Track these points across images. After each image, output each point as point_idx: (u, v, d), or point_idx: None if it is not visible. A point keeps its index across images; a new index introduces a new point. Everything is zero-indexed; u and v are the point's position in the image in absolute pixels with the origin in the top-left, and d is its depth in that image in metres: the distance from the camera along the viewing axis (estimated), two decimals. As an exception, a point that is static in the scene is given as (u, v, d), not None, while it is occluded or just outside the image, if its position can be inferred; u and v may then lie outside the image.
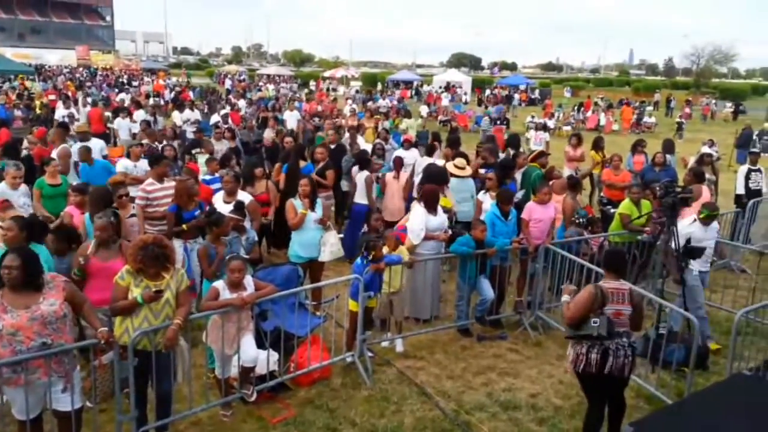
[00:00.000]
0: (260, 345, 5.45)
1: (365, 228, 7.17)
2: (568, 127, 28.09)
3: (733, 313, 5.85)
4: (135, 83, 41.34)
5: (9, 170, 7.39)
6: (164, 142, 11.25)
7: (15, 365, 4.05)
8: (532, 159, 9.99)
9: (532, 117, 26.11)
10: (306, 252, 7.04)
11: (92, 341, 4.42)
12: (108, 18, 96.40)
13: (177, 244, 6.98)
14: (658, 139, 15.24)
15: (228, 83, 45.89)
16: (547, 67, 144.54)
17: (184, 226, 6.83)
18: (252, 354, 5.13)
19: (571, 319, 4.74)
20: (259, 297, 5.21)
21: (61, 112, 16.59)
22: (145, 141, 11.40)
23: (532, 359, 6.60)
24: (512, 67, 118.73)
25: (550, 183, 8.25)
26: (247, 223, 6.78)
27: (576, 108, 33.89)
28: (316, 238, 7.07)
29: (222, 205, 7.18)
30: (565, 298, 4.96)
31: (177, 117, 16.83)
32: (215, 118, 16.47)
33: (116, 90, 31.89)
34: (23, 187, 7.52)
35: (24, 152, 10.05)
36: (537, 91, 50.65)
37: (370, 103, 29.04)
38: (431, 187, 7.38)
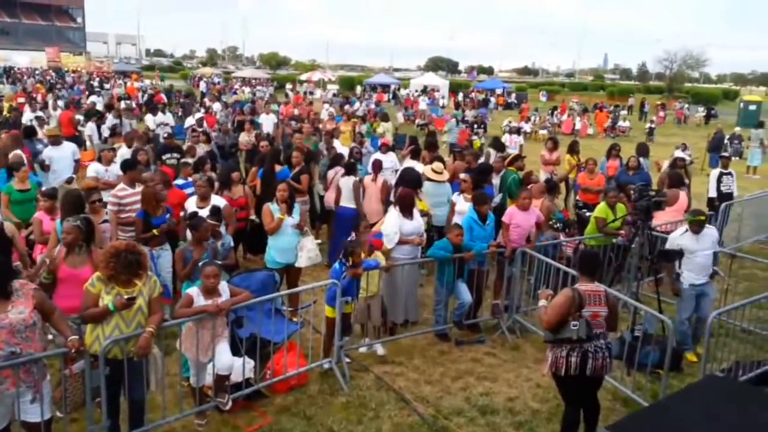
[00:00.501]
0: (236, 352, 5.37)
1: (353, 235, 7.09)
2: (544, 131, 28.39)
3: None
4: (107, 86, 40.70)
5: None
6: (134, 146, 11.06)
7: (-19, 376, 3.93)
8: (508, 163, 10.05)
9: (509, 121, 26.31)
10: (283, 257, 6.97)
11: (62, 350, 4.31)
12: (79, 19, 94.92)
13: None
14: (632, 143, 15.45)
15: (203, 86, 45.45)
16: (523, 72, 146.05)
17: (154, 231, 6.72)
18: (227, 361, 5.05)
19: (549, 323, 4.75)
20: (235, 303, 5.14)
21: (28, 116, 16.22)
22: (117, 145, 11.21)
23: (509, 363, 6.62)
24: (489, 71, 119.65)
25: (529, 187, 8.30)
26: (222, 228, 6.70)
27: (551, 112, 34.26)
28: (293, 244, 7.01)
29: (196, 210, 7.10)
30: (542, 302, 4.97)
31: (150, 120, 16.59)
32: (190, 122, 16.28)
33: (87, 93, 31.32)
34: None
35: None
36: (513, 95, 51.11)
37: (347, 107, 29.00)
38: (406, 192, 7.38)
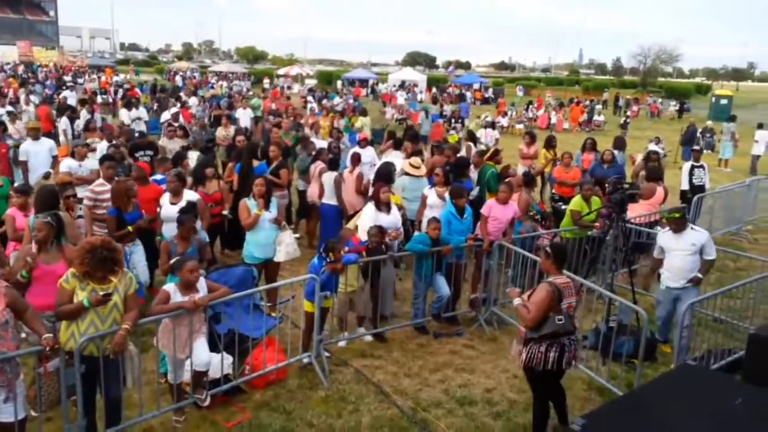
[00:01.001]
0: (214, 348, 5.35)
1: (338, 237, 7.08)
2: (521, 126, 28.61)
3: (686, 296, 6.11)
4: (81, 80, 39.98)
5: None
6: (112, 141, 10.90)
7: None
8: (488, 158, 10.13)
9: (486, 116, 26.45)
10: (261, 252, 6.94)
11: (37, 348, 4.25)
12: (51, 13, 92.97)
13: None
14: (607, 137, 15.67)
15: (179, 80, 44.90)
16: (500, 67, 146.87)
17: (129, 228, 6.65)
18: (205, 358, 5.02)
19: (534, 321, 4.71)
20: (212, 299, 5.11)
21: (-2, 111, 15.85)
22: (90, 140, 11.02)
23: (487, 354, 6.68)
24: (466, 66, 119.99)
25: (509, 181, 8.38)
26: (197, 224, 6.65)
27: (527, 107, 34.51)
28: (272, 238, 6.98)
29: (168, 206, 7.05)
30: (517, 301, 4.93)
31: (125, 115, 16.34)
32: (165, 116, 16.08)
33: (59, 88, 30.73)
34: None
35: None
36: (491, 90, 51.38)
37: (325, 101, 28.88)
38: (377, 186, 7.46)
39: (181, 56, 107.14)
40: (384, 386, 5.88)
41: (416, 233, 7.85)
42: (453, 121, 24.37)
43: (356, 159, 9.55)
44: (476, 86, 50.96)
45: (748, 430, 3.44)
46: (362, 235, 7.02)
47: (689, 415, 3.60)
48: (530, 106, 34.39)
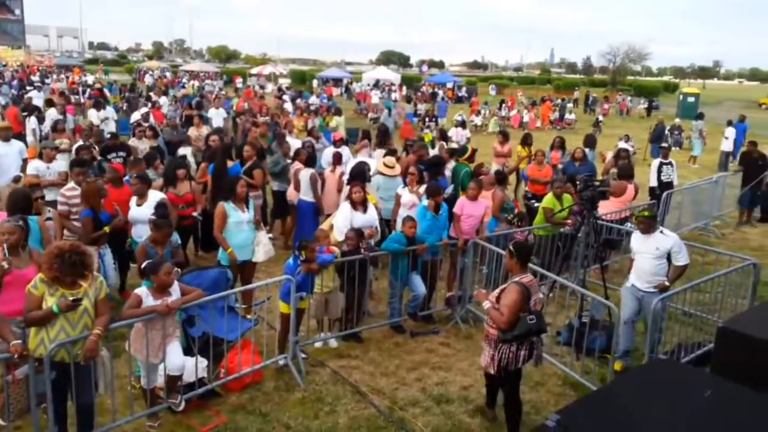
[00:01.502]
0: (188, 352, 5.29)
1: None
2: (494, 124, 28.81)
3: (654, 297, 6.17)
4: (48, 81, 39.13)
5: None
6: (80, 143, 10.71)
7: None
8: (467, 158, 10.21)
9: (460, 114, 26.60)
10: (240, 254, 6.86)
11: (4, 355, 4.16)
12: (17, 11, 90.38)
13: (91, 251, 6.67)
14: (578, 136, 15.87)
15: (149, 79, 44.23)
16: (473, 66, 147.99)
17: (106, 229, 6.54)
18: (178, 362, 4.95)
19: (508, 323, 4.70)
20: (186, 302, 5.05)
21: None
22: (58, 141, 10.80)
23: (463, 352, 6.72)
24: (440, 65, 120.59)
25: (479, 178, 8.44)
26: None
27: (500, 105, 34.79)
28: (250, 240, 6.93)
29: (135, 208, 6.97)
30: (487, 304, 4.91)
31: (94, 115, 16.03)
32: (136, 116, 15.83)
33: (23, 88, 30.02)
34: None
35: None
36: (464, 89, 51.67)
37: (299, 101, 28.73)
38: (352, 185, 7.51)
39: (151, 55, 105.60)
40: (361, 386, 5.88)
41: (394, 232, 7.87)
42: (427, 120, 24.44)
43: (338, 158, 9.60)
44: (450, 85, 51.22)
45: (717, 422, 3.52)
46: (337, 234, 7.02)
47: (661, 409, 3.66)
48: (503, 105, 34.68)
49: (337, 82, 52.05)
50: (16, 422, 4.83)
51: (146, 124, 12.91)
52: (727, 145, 18.74)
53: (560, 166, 11.34)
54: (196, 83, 42.36)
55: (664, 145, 14.28)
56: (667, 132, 22.15)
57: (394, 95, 44.01)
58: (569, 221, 8.15)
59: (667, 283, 6.10)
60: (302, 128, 15.76)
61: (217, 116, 17.07)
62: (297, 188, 9.19)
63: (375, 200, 8.22)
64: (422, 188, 8.10)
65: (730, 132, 18.80)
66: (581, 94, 48.02)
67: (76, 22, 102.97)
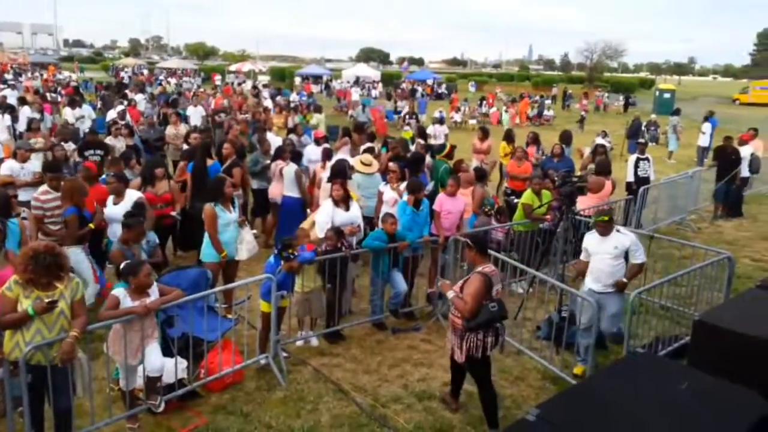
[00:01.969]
0: (168, 353, 5.23)
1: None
2: (474, 121, 28.94)
3: (627, 294, 6.24)
4: (22, 79, 38.43)
5: None
6: (54, 142, 10.54)
7: None
8: (445, 155, 10.24)
9: (440, 111, 26.67)
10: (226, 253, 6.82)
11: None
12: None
13: (79, 250, 6.58)
14: (556, 132, 15.98)
15: (124, 77, 43.66)
16: (452, 63, 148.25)
17: (91, 225, 6.47)
18: (157, 363, 4.90)
19: (472, 311, 4.85)
20: (164, 303, 5.00)
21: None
22: (33, 140, 10.62)
23: (444, 348, 6.73)
24: (420, 62, 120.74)
25: (458, 175, 8.48)
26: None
27: (480, 102, 34.94)
28: (235, 238, 6.89)
29: (111, 207, 6.88)
30: (451, 294, 5.06)
31: (69, 114, 15.78)
32: (111, 115, 15.60)
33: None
34: None
35: None
36: (444, 86, 51.80)
37: (279, 98, 28.56)
38: (333, 183, 7.48)
39: (127, 53, 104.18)
40: (343, 384, 5.87)
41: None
42: (407, 117, 24.45)
43: (327, 154, 9.63)
44: (430, 82, 51.33)
45: (693, 413, 3.58)
46: (319, 232, 7.00)
47: (640, 401, 3.72)
48: (483, 102, 34.82)
49: (316, 79, 51.84)
50: (-8, 427, 4.75)
51: (122, 123, 12.73)
52: (704, 140, 19.02)
53: (535, 162, 11.43)
54: (174, 80, 41.88)
55: (641, 140, 14.46)
56: (643, 128, 22.41)
57: (374, 92, 44.04)
58: (548, 217, 8.22)
59: (625, 280, 5.95)
60: (282, 126, 15.68)
61: (195, 114, 16.92)
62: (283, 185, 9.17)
63: (357, 197, 8.21)
64: (403, 185, 8.11)
65: (707, 127, 19.08)
66: (559, 90, 48.41)
67: (51, 19, 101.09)
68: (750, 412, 3.61)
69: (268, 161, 9.90)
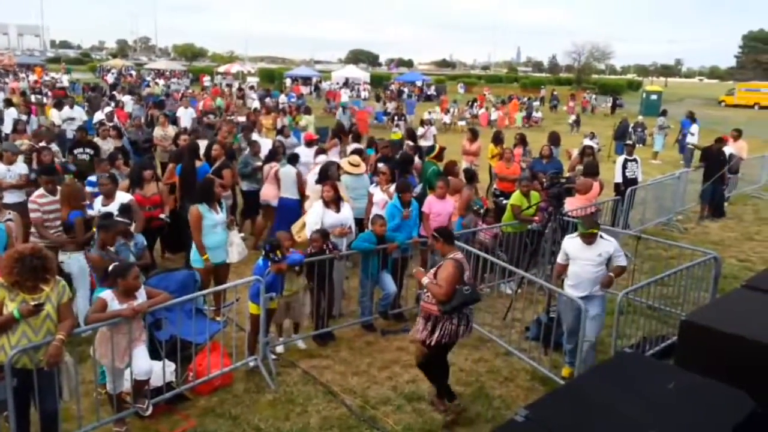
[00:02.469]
0: (156, 356, 5.20)
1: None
2: (463, 122, 29.01)
3: (615, 294, 6.27)
4: (7, 80, 38.06)
5: None
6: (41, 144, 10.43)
7: None
8: (434, 156, 10.25)
9: (429, 112, 26.72)
10: (214, 257, 6.77)
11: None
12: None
13: (81, 257, 6.49)
14: (545, 133, 16.06)
15: (110, 78, 43.35)
16: (441, 64, 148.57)
17: (94, 228, 6.41)
18: (145, 366, 4.87)
19: (447, 294, 5.03)
20: (152, 305, 4.96)
21: None
22: (19, 142, 10.51)
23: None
24: (409, 63, 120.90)
25: (447, 177, 8.50)
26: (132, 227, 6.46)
27: (470, 104, 35.03)
28: (224, 241, 6.85)
29: (102, 209, 6.84)
30: (426, 280, 5.22)
31: (55, 116, 15.65)
32: (99, 116, 15.51)
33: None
34: None
35: None
36: (433, 88, 51.91)
37: (267, 100, 28.47)
38: (324, 185, 7.50)
39: (115, 54, 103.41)
40: (332, 386, 5.86)
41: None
42: (396, 118, 24.47)
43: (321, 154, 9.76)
44: (419, 83, 51.43)
45: (681, 412, 3.60)
46: (306, 229, 7.03)
47: (627, 401, 3.74)
48: (474, 104, 34.91)
49: (306, 80, 51.76)
50: (-24, 432, 4.69)
51: (110, 124, 12.65)
52: (692, 141, 19.16)
53: (523, 165, 11.47)
54: (162, 82, 41.65)
55: (629, 142, 14.54)
56: (630, 129, 22.56)
57: (364, 94, 44.07)
58: (536, 218, 8.26)
59: (611, 274, 5.87)
60: (271, 127, 15.64)
61: (185, 115, 16.82)
62: (277, 187, 9.21)
63: (346, 198, 8.21)
64: (393, 187, 8.12)
65: (695, 128, 19.24)
66: (547, 92, 48.65)
67: (38, 20, 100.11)
68: (737, 411, 3.63)
69: (259, 163, 9.87)
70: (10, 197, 7.89)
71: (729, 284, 7.94)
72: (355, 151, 9.93)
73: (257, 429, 5.17)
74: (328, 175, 8.16)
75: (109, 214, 6.30)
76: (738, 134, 14.90)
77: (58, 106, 16.41)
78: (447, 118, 29.28)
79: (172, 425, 5.13)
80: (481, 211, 8.78)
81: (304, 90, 45.39)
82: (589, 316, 5.77)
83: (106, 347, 4.78)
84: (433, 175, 9.50)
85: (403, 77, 57.60)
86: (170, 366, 5.38)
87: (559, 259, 6.20)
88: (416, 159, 10.32)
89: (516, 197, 8.50)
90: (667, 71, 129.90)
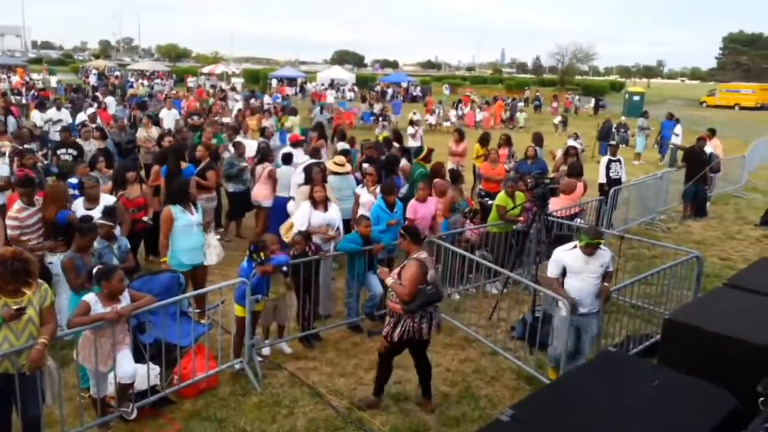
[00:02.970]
0: (140, 359, 5.15)
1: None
2: (449, 123, 29.08)
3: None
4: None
5: None
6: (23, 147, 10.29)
7: None
8: (422, 158, 10.27)
9: (414, 113, 26.75)
10: (190, 258, 6.69)
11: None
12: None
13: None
14: (529, 134, 16.16)
15: (93, 79, 42.90)
16: (426, 65, 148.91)
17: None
18: (129, 370, 4.82)
19: (410, 294, 5.09)
20: (136, 308, 4.92)
21: None
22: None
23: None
24: (394, 64, 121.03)
25: (429, 180, 8.55)
26: (116, 230, 6.39)
27: (455, 105, 35.12)
28: (201, 243, 6.79)
29: (83, 212, 6.71)
30: (390, 280, 5.29)
31: (37, 117, 15.44)
32: (81, 117, 15.32)
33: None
34: None
35: None
36: (418, 89, 52.02)
37: (253, 101, 28.33)
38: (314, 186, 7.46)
39: (98, 54, 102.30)
40: (319, 387, 5.84)
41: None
42: (381, 119, 24.47)
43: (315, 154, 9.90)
44: (404, 84, 51.52)
45: (664, 410, 3.65)
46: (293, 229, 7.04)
47: (612, 399, 3.78)
48: (459, 105, 35.02)
49: (291, 81, 51.60)
50: (-43, 438, 4.62)
51: (93, 125, 12.52)
52: (676, 141, 19.38)
53: (507, 166, 11.53)
54: (146, 83, 41.31)
55: (613, 143, 14.67)
56: (614, 130, 22.75)
57: (349, 95, 44.04)
58: (521, 218, 8.30)
59: (606, 285, 5.74)
60: (255, 129, 15.57)
61: (168, 117, 16.68)
62: (273, 185, 9.34)
63: (333, 200, 8.20)
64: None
65: (678, 129, 19.46)
66: (531, 93, 48.93)
67: (19, 20, 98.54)
68: (719, 408, 3.69)
69: (244, 164, 9.82)
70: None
71: (711, 283, 8.04)
72: (343, 152, 9.94)
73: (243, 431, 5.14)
74: (312, 176, 8.15)
75: (89, 218, 6.20)
76: (712, 134, 15.10)
77: (41, 107, 16.20)
78: (432, 119, 29.32)
79: (157, 429, 5.09)
80: (469, 212, 8.79)
81: (290, 91, 45.22)
82: (588, 335, 5.70)
83: (89, 351, 4.73)
84: (420, 177, 9.51)
85: (388, 78, 57.63)
86: (155, 369, 5.33)
87: (553, 272, 5.83)
88: (404, 161, 10.31)
89: (501, 198, 8.53)
90: (649, 72, 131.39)
